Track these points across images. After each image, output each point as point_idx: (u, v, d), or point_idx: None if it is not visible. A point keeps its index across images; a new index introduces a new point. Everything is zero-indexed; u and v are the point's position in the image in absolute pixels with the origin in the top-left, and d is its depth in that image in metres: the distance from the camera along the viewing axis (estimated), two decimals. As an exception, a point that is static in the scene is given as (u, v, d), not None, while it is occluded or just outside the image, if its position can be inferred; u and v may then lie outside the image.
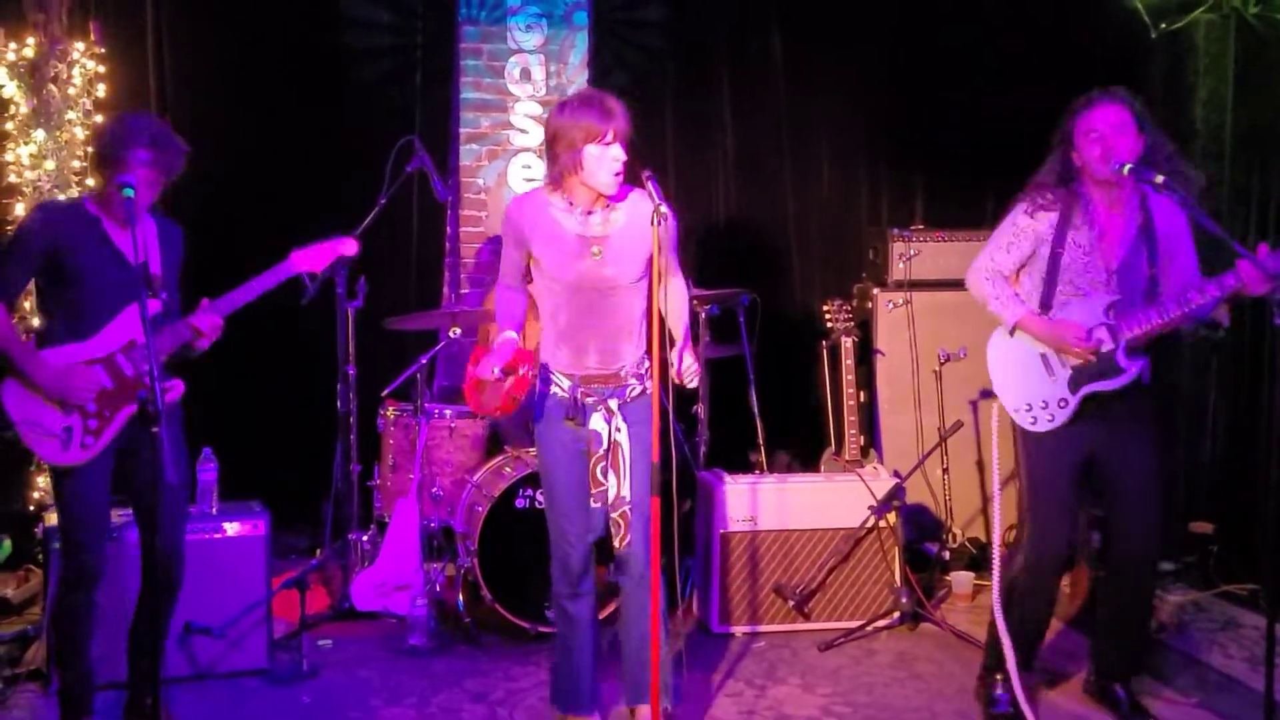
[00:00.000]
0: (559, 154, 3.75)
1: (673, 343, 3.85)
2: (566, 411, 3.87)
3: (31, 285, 4.04)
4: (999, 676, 4.24)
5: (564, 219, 3.82)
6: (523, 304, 4.00)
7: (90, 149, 5.76)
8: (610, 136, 3.69)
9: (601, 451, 3.83)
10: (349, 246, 4.22)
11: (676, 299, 3.97)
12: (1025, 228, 4.12)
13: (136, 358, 3.84)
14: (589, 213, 3.83)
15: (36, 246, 3.79)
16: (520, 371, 3.98)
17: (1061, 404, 4.06)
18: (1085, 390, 4.04)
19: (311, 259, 4.11)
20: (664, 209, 3.58)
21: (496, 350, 3.89)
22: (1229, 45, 6.42)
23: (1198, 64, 6.53)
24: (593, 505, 3.87)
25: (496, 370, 3.86)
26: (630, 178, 3.81)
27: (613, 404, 3.85)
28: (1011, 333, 4.16)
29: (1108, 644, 4.38)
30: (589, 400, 3.85)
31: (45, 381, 3.74)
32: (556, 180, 3.82)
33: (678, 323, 3.93)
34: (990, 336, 4.24)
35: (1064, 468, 4.13)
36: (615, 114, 3.72)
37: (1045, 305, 4.10)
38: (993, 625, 4.24)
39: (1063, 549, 4.19)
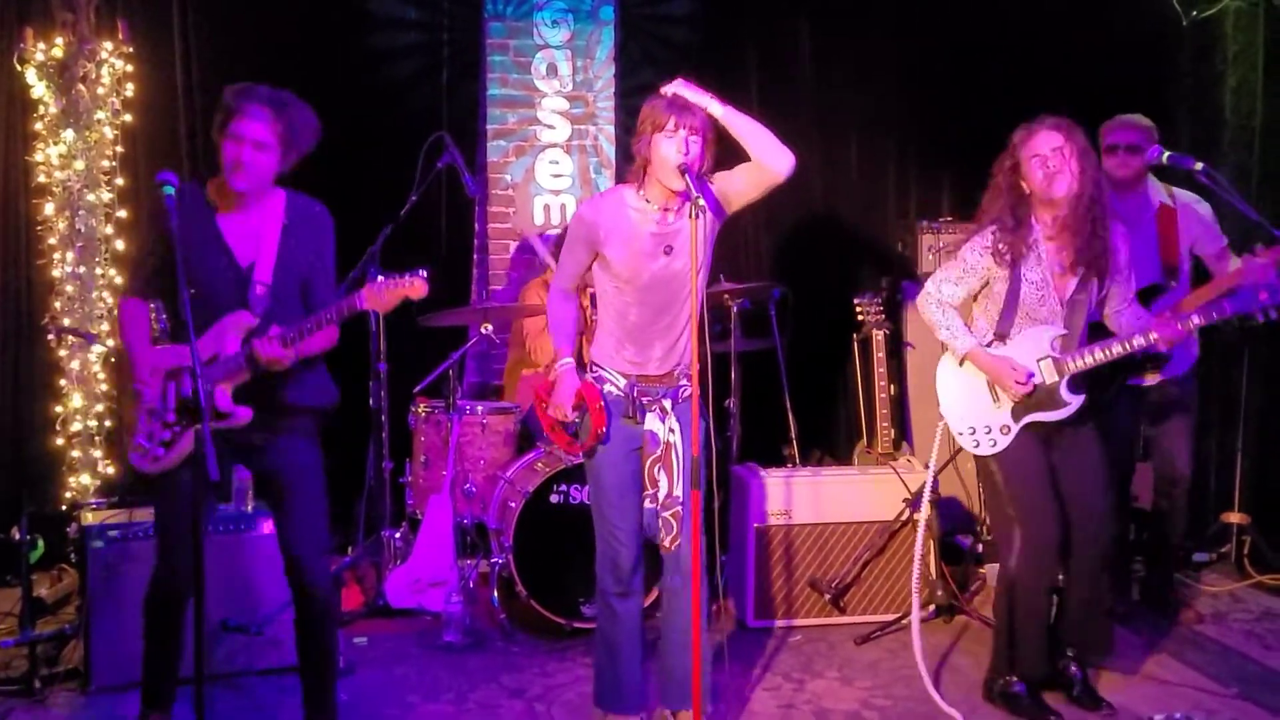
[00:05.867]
0: (636, 145, 3.75)
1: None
2: (624, 410, 3.87)
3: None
4: (1011, 676, 4.28)
5: (640, 219, 3.78)
6: (575, 316, 3.97)
7: (119, 149, 5.78)
8: (673, 126, 3.64)
9: (659, 452, 3.82)
10: (418, 289, 3.64)
11: None
12: (975, 265, 4.18)
13: (215, 374, 3.60)
14: (665, 210, 3.79)
15: (160, 230, 3.57)
16: (597, 408, 3.87)
17: (1004, 430, 4.15)
18: (1027, 419, 4.13)
19: (378, 298, 3.63)
20: (702, 201, 3.55)
21: (562, 389, 3.89)
22: (1258, 34, 6.42)
23: (1227, 52, 6.52)
24: (646, 505, 3.85)
25: (569, 413, 3.88)
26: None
27: (666, 404, 3.85)
28: (961, 363, 4.23)
29: (1071, 628, 4.37)
30: (645, 400, 3.85)
31: (137, 379, 3.64)
32: (637, 174, 3.80)
33: None
34: (941, 358, 4.33)
35: (1032, 465, 4.17)
36: (685, 104, 3.67)
37: (1003, 336, 4.16)
38: (999, 628, 4.30)
39: (1056, 540, 4.17)
